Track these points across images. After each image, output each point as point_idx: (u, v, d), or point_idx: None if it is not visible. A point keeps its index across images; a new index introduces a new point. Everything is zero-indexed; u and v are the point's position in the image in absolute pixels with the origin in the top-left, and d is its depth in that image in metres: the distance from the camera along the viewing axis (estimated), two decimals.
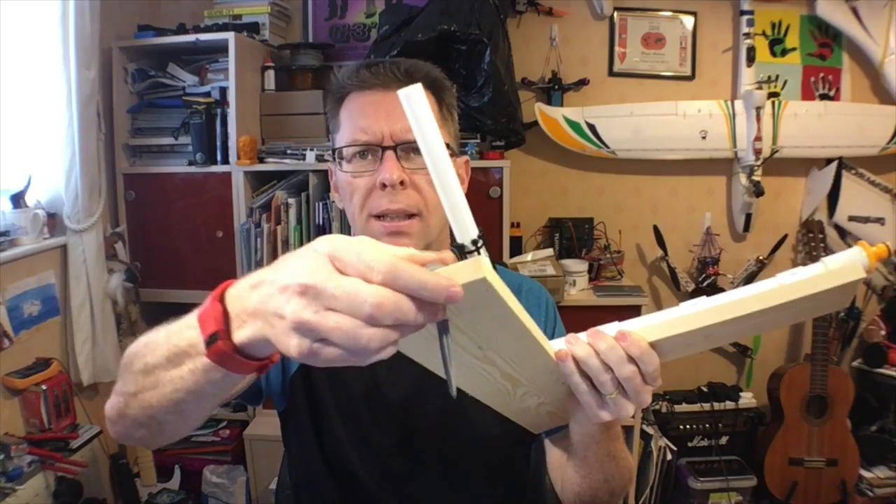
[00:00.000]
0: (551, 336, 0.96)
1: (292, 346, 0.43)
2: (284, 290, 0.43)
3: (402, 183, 0.83)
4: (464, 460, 0.92)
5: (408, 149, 0.84)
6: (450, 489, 0.92)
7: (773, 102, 2.44)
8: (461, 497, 0.93)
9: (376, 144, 0.84)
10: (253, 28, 2.30)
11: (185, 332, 0.53)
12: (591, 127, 2.47)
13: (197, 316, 0.51)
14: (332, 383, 0.91)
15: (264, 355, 0.50)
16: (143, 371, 0.58)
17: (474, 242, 0.52)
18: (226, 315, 0.49)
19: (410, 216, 0.85)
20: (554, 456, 0.90)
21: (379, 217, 0.85)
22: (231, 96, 2.14)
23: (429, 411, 0.90)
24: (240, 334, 0.48)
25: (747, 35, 2.45)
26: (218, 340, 0.48)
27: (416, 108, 0.48)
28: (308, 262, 0.43)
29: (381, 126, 0.84)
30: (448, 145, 0.88)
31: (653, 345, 0.59)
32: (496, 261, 2.02)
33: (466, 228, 0.51)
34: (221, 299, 0.50)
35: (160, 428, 0.62)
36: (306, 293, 0.42)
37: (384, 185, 0.82)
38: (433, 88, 0.89)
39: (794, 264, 2.62)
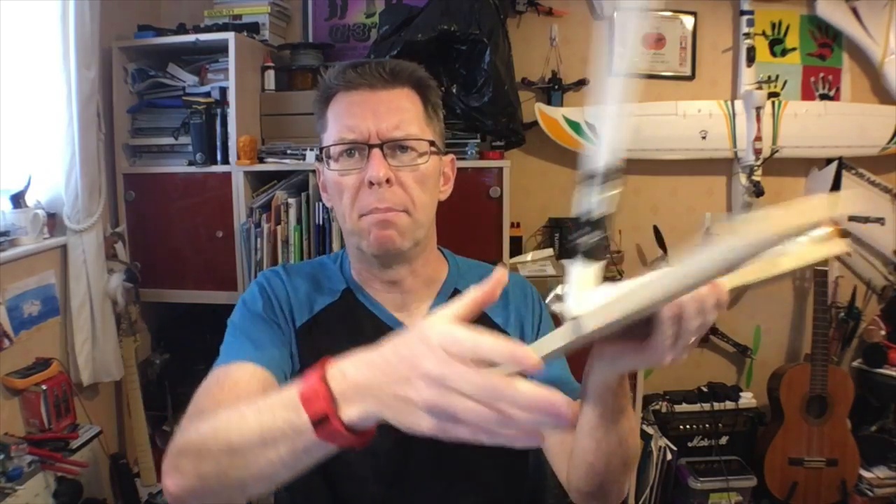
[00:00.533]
0: (539, 326, 0.98)
1: (424, 425, 0.47)
2: (408, 376, 0.47)
3: (388, 181, 0.84)
4: (461, 457, 0.91)
5: (394, 146, 0.85)
6: (447, 486, 0.92)
7: (773, 102, 2.44)
8: (458, 494, 0.92)
9: (363, 142, 0.85)
10: (253, 28, 2.30)
11: (281, 412, 0.54)
12: (592, 127, 2.47)
13: (299, 396, 0.52)
14: None
15: (367, 428, 0.52)
16: (228, 451, 0.58)
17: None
18: (331, 394, 0.51)
19: (392, 211, 0.86)
20: (555, 438, 0.87)
21: (366, 215, 0.86)
22: (231, 96, 2.14)
23: None
24: (349, 413, 0.50)
25: (747, 35, 2.45)
26: (330, 421, 0.50)
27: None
28: (423, 351, 0.47)
29: (368, 124, 0.85)
30: (434, 143, 0.89)
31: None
32: (493, 260, 2.01)
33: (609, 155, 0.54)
34: (324, 379, 0.52)
35: (242, 497, 0.62)
36: (432, 383, 0.45)
37: (371, 183, 0.84)
38: (418, 88, 0.90)
39: None
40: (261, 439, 0.55)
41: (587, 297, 0.59)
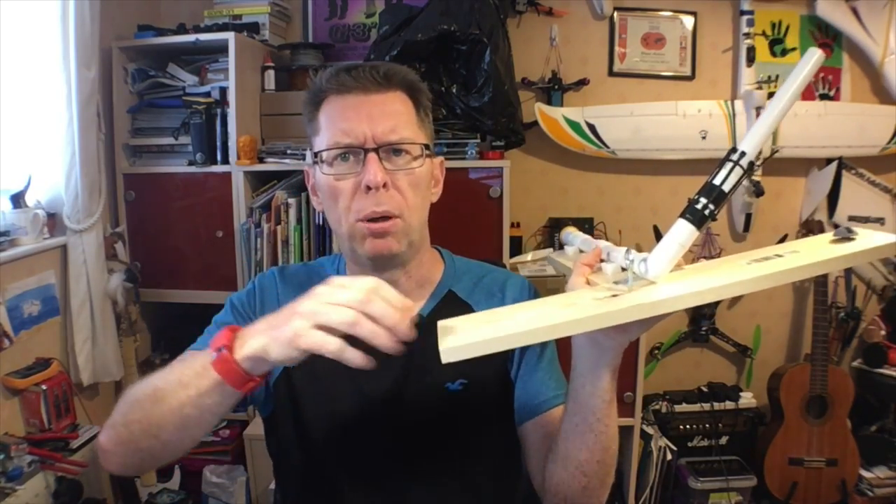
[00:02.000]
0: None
1: (295, 326, 0.62)
2: (289, 316, 0.64)
3: (384, 185, 0.84)
4: (449, 456, 0.92)
5: (389, 150, 0.86)
6: (436, 486, 0.92)
7: None
8: (450, 496, 0.92)
9: (358, 146, 0.85)
10: (253, 28, 2.30)
11: (199, 358, 0.68)
12: (591, 127, 2.47)
13: (211, 342, 0.67)
14: (313, 388, 0.92)
15: (259, 373, 0.66)
16: (153, 396, 0.70)
17: (747, 163, 0.63)
18: (233, 336, 0.67)
19: (392, 217, 0.86)
20: (536, 438, 0.90)
21: (363, 220, 0.86)
22: (231, 96, 2.14)
23: (409, 409, 0.91)
24: (243, 351, 0.65)
25: (747, 35, 2.45)
26: (224, 355, 0.65)
27: (811, 67, 0.63)
28: (303, 300, 0.65)
29: (363, 128, 0.85)
30: (427, 146, 0.90)
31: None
32: (493, 260, 2.02)
33: (753, 150, 0.64)
34: (233, 329, 0.68)
35: (161, 449, 0.72)
36: (307, 314, 0.63)
37: (368, 188, 0.84)
38: (410, 91, 0.91)
39: None
40: (178, 381, 0.68)
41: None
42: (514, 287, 1.02)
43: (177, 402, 0.68)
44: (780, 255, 0.61)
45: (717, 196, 0.61)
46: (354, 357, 0.62)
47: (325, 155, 0.87)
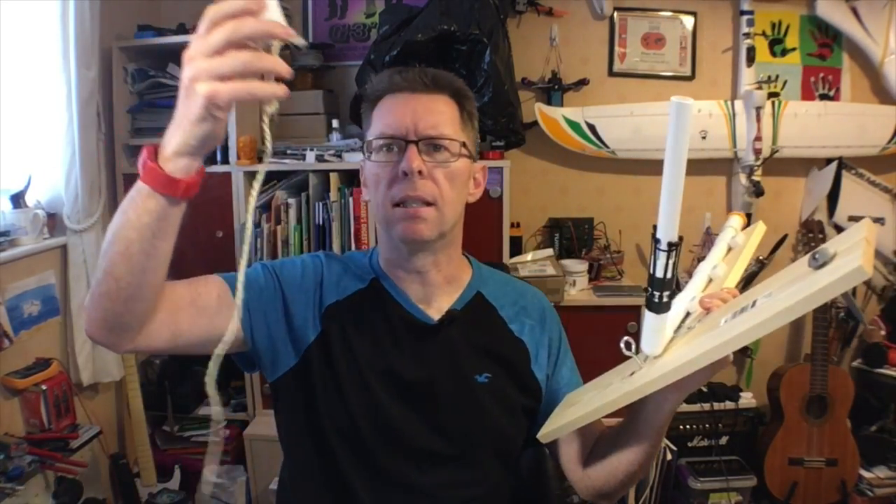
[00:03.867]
0: (559, 350, 1.07)
1: (201, 91, 0.59)
2: (184, 94, 0.61)
3: (420, 172, 0.90)
4: (474, 442, 0.97)
5: (429, 144, 0.92)
6: (458, 466, 0.96)
7: (773, 102, 2.44)
8: (468, 475, 0.97)
9: (401, 137, 0.92)
10: None
11: (134, 188, 0.66)
12: (591, 127, 2.47)
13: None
14: (347, 358, 0.95)
15: (190, 171, 0.67)
16: (107, 240, 0.69)
17: (670, 245, 0.66)
18: (155, 148, 0.65)
19: (427, 204, 0.91)
20: (572, 449, 0.99)
21: (398, 204, 0.91)
22: None
23: (441, 392, 0.96)
24: (164, 153, 0.64)
25: (747, 35, 2.45)
26: (146, 160, 0.64)
27: (685, 117, 0.62)
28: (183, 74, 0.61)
29: (407, 122, 0.92)
30: (465, 145, 0.96)
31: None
32: (496, 263, 2.01)
33: (674, 230, 0.66)
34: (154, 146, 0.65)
35: (116, 288, 0.69)
36: (199, 77, 0.59)
37: (405, 174, 0.90)
38: (456, 96, 0.97)
39: None
40: (122, 210, 0.67)
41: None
42: (533, 298, 1.10)
43: (120, 231, 0.67)
44: (755, 303, 0.64)
45: (665, 284, 0.66)
46: (267, 89, 0.65)
47: (372, 144, 0.95)
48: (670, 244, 0.64)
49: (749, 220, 2.58)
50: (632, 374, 0.76)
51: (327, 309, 0.97)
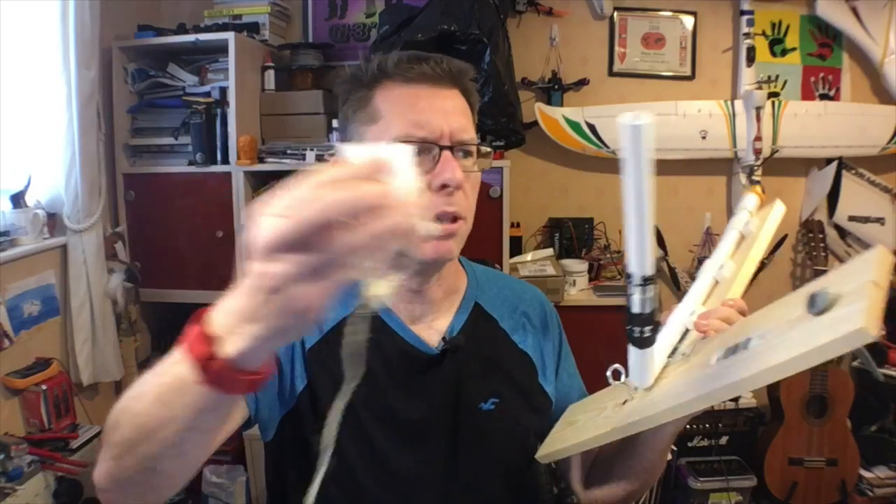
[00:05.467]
0: (559, 353, 1.01)
1: (315, 294, 0.41)
2: (259, 276, 0.42)
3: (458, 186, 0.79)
4: (482, 479, 0.89)
5: (461, 150, 0.81)
6: (464, 499, 0.88)
7: (773, 102, 2.44)
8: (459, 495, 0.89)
9: (433, 142, 0.79)
10: (253, 28, 2.30)
11: (171, 368, 0.50)
12: (591, 127, 2.47)
13: (183, 347, 0.48)
14: (346, 417, 0.85)
15: (258, 365, 0.48)
16: (134, 425, 0.54)
17: (644, 279, 0.58)
18: (207, 333, 0.46)
19: (456, 219, 0.81)
20: (572, 467, 0.94)
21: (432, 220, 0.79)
22: (231, 96, 2.14)
23: (445, 430, 0.86)
24: (232, 347, 0.45)
25: (747, 35, 2.45)
26: (213, 361, 0.46)
27: (644, 141, 0.49)
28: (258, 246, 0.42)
29: (440, 123, 0.79)
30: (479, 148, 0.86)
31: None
32: (484, 259, 2.00)
33: (647, 265, 0.57)
34: (200, 321, 0.47)
35: (160, 480, 0.57)
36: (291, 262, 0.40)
37: (445, 186, 0.78)
38: (466, 90, 0.88)
39: (794, 264, 2.64)
40: (158, 400, 0.51)
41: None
42: (533, 300, 1.01)
43: (167, 430, 0.52)
44: (748, 342, 0.58)
45: (644, 319, 0.61)
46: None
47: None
48: (644, 279, 0.58)
49: None
50: (624, 402, 0.72)
51: (310, 352, 0.83)
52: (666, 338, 0.74)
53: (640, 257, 0.56)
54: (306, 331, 0.46)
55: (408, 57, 0.83)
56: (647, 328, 0.62)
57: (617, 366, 0.69)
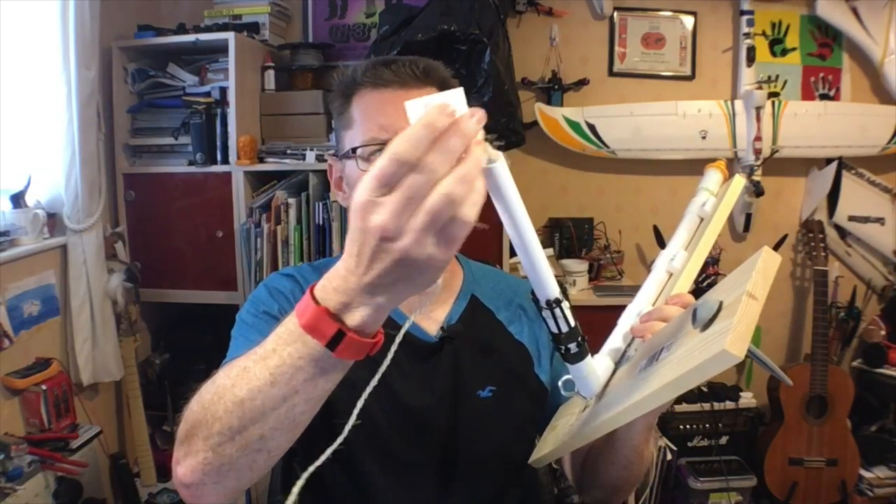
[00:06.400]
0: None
1: (430, 252, 0.47)
2: (378, 244, 0.46)
3: None
4: (481, 466, 0.92)
5: None
6: (466, 487, 0.91)
7: (773, 102, 2.44)
8: (470, 494, 0.92)
9: None
10: (253, 28, 2.30)
11: (286, 349, 0.53)
12: (591, 127, 2.47)
13: (301, 326, 0.51)
14: (344, 395, 0.89)
15: (377, 328, 0.53)
16: (239, 409, 0.55)
17: (549, 303, 0.60)
18: (330, 312, 0.50)
19: None
20: (566, 463, 0.97)
21: None
22: (231, 96, 2.14)
23: (445, 416, 0.90)
24: (355, 318, 0.50)
25: (747, 35, 2.45)
26: (344, 335, 0.50)
27: (501, 179, 0.50)
28: (369, 217, 0.46)
29: (403, 125, 0.82)
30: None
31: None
32: (484, 259, 2.00)
33: (548, 288, 0.59)
34: (316, 300, 0.51)
35: (266, 459, 0.59)
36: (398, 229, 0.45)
37: None
38: (443, 87, 0.88)
39: (794, 264, 2.64)
40: (272, 381, 0.53)
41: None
42: (528, 292, 1.02)
43: (281, 402, 0.54)
44: (661, 353, 0.59)
45: (566, 338, 0.62)
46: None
47: (361, 151, 0.84)
48: (549, 302, 0.59)
49: (749, 219, 2.60)
50: (584, 409, 0.73)
51: None
52: (611, 343, 0.74)
53: (539, 285, 0.59)
54: (428, 285, 0.51)
55: (374, 63, 0.87)
56: (572, 344, 0.63)
57: (568, 377, 0.68)
